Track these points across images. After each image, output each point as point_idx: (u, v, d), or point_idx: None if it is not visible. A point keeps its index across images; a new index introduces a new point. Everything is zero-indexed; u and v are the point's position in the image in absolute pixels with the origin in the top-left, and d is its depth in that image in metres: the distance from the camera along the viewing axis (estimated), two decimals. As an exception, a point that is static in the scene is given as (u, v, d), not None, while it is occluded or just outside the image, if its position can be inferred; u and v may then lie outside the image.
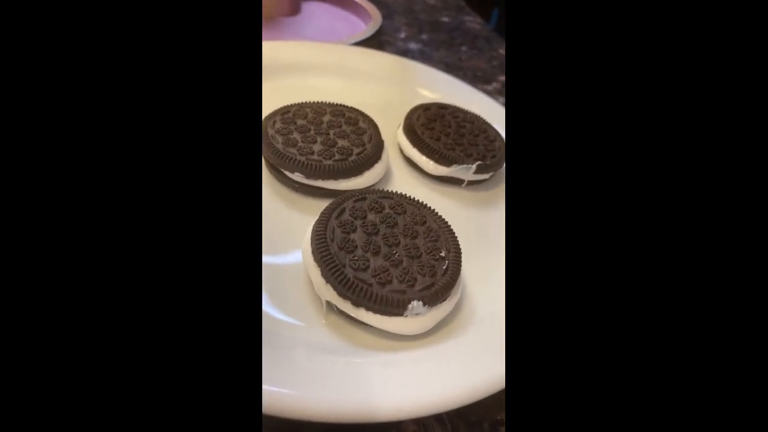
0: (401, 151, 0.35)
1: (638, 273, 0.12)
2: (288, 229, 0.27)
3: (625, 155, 0.13)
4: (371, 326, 0.22)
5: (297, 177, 0.28)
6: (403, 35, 0.59)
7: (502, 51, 0.60)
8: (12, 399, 0.11)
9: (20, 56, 0.12)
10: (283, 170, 0.29)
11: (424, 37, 0.60)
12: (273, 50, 0.41)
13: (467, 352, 0.22)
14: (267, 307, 0.23)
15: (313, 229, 0.24)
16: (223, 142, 0.13)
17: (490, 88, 0.51)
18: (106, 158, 0.12)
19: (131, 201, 0.12)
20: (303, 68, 0.41)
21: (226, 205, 0.13)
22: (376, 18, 0.55)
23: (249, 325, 0.12)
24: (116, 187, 0.12)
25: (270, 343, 0.21)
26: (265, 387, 0.18)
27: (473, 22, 0.68)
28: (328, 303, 0.23)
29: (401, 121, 0.35)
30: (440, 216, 0.26)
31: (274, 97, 0.34)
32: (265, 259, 0.25)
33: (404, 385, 0.20)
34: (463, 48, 0.59)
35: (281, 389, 0.19)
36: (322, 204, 0.26)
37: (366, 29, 0.52)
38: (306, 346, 0.21)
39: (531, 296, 0.13)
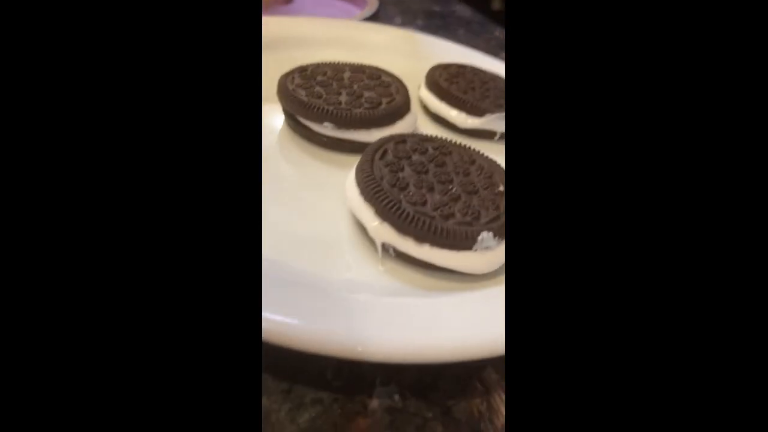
0: (425, 110, 0.33)
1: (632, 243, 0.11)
2: (319, 185, 0.25)
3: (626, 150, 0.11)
4: (434, 268, 0.20)
5: (326, 128, 0.26)
6: (399, 21, 0.58)
7: (497, 33, 0.60)
8: (10, 392, 0.10)
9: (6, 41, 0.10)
10: (309, 123, 0.26)
11: (420, 22, 0.59)
12: (278, 25, 0.39)
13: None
14: (319, 267, 0.20)
15: (357, 171, 0.22)
16: (219, 120, 0.11)
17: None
18: (97, 145, 0.11)
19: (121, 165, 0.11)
20: (310, 43, 0.39)
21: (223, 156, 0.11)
22: (371, 3, 0.54)
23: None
24: (106, 162, 0.11)
25: (337, 299, 0.18)
26: (347, 334, 0.16)
27: (464, 10, 0.67)
28: (384, 247, 0.20)
29: (418, 86, 0.34)
30: (488, 156, 0.24)
31: (281, 70, 0.31)
32: (300, 218, 0.23)
33: (482, 325, 0.18)
34: (460, 31, 0.58)
35: (363, 335, 0.16)
36: (353, 159, 0.23)
37: (363, 12, 0.51)
38: (370, 293, 0.19)
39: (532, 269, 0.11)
